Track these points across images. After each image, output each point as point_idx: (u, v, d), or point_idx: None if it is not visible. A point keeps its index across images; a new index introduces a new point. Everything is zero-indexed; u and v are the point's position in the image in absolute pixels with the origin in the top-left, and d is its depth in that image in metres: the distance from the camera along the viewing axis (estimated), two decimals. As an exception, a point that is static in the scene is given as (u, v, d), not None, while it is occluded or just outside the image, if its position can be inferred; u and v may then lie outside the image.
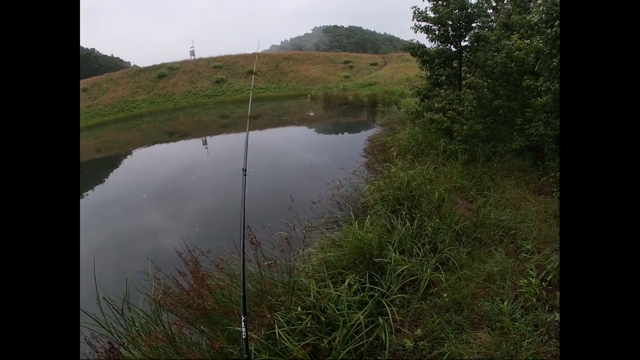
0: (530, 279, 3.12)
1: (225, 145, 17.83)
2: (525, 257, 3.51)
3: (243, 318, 1.80)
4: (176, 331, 2.64)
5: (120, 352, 2.70)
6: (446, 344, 2.61)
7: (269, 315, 2.39)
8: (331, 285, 2.91)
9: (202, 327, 2.75)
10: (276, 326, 2.36)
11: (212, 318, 2.66)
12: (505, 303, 2.87)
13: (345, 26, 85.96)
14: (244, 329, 1.76)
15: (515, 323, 2.71)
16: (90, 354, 2.66)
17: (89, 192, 11.16)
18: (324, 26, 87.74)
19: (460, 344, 2.61)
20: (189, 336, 2.72)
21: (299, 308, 2.59)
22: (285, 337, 2.40)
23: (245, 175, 2.49)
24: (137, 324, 2.85)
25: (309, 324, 2.53)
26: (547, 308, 2.87)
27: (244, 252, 2.03)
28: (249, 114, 3.51)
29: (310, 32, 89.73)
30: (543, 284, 3.12)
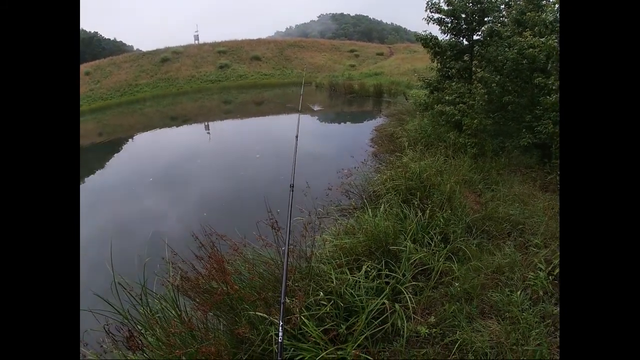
0: (539, 271, 3.19)
1: (227, 130, 17.86)
2: (533, 250, 3.58)
3: (281, 324, 1.80)
4: (199, 317, 2.64)
5: (140, 340, 2.52)
6: (458, 332, 2.69)
7: (297, 306, 2.41)
8: (348, 272, 2.98)
9: (217, 313, 2.76)
10: (298, 311, 2.41)
11: (231, 303, 2.68)
12: (519, 293, 2.96)
13: (351, 14, 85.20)
14: (280, 334, 1.75)
15: (524, 314, 2.78)
16: (103, 341, 2.58)
17: (90, 176, 11.24)
18: (330, 13, 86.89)
19: (472, 332, 2.69)
20: (210, 322, 2.71)
21: (321, 293, 2.66)
22: (306, 321, 2.46)
23: (292, 190, 2.56)
24: (156, 311, 2.79)
25: (328, 310, 2.59)
26: (553, 301, 2.94)
27: (286, 265, 2.02)
28: (297, 134, 3.49)
29: (316, 19, 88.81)
30: (550, 277, 3.19)
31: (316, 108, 20.17)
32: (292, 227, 3.21)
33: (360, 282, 2.87)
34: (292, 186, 2.75)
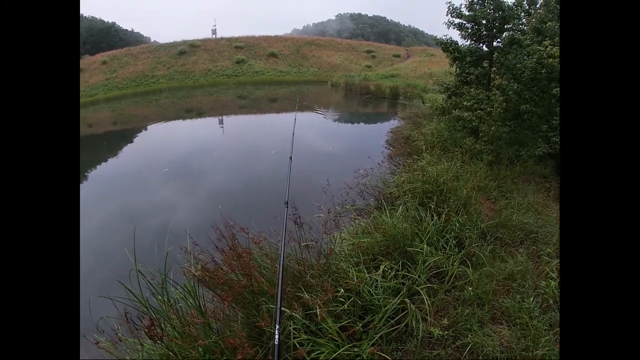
0: (550, 280, 3.23)
1: (241, 125, 17.98)
2: (545, 259, 3.62)
3: (277, 327, 1.75)
4: (221, 308, 2.70)
5: (160, 330, 2.49)
6: (469, 335, 2.76)
7: (319, 303, 2.48)
8: (365, 270, 3.05)
9: (233, 305, 2.78)
10: (317, 307, 2.48)
11: (253, 296, 2.72)
12: (531, 299, 3.01)
13: (369, 15, 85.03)
14: (277, 337, 1.73)
15: (534, 321, 2.83)
16: (118, 331, 2.62)
17: (103, 164, 11.48)
18: (348, 13, 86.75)
19: (483, 336, 2.75)
20: (231, 314, 2.77)
21: (342, 290, 2.73)
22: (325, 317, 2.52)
23: (287, 207, 2.62)
24: (175, 300, 2.80)
25: (346, 307, 2.65)
26: (562, 310, 2.98)
27: (281, 277, 2.03)
28: (291, 155, 3.52)
29: (334, 18, 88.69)
30: (560, 286, 3.23)
31: (329, 116, 17.92)
32: (310, 224, 3.29)
33: (377, 281, 2.94)
34: (286, 203, 2.74)
